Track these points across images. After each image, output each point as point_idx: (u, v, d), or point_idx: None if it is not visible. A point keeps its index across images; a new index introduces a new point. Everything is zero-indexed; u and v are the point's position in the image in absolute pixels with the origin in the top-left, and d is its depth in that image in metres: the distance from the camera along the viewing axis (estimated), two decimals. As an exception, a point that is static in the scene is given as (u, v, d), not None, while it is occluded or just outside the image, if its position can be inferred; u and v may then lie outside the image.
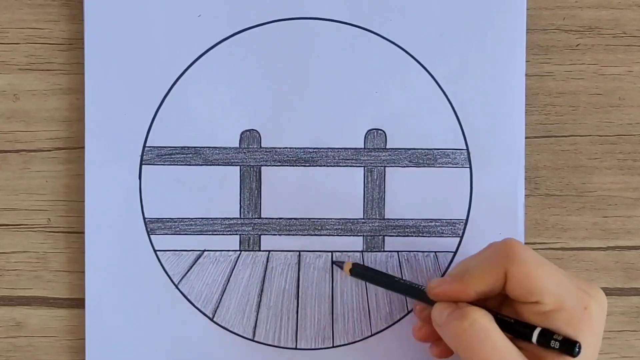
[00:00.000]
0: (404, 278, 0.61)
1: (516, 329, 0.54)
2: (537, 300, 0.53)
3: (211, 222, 0.62)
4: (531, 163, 0.63)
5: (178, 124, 0.62)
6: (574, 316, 0.52)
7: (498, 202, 0.62)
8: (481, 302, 0.55)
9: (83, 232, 0.62)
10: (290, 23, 0.62)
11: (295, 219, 0.62)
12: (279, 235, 0.62)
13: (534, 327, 0.53)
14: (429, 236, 0.62)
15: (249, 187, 0.62)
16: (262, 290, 0.62)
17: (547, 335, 0.53)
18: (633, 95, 0.63)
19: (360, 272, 0.61)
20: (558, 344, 0.52)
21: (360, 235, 0.62)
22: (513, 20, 0.62)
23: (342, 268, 0.61)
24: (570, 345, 0.52)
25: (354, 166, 0.62)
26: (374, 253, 0.62)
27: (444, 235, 0.62)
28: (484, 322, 0.53)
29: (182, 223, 0.62)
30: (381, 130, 0.62)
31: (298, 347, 0.62)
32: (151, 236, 0.62)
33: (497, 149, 0.62)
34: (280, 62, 0.62)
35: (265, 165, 0.62)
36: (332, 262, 0.62)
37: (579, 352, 0.52)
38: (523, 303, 0.53)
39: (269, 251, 0.62)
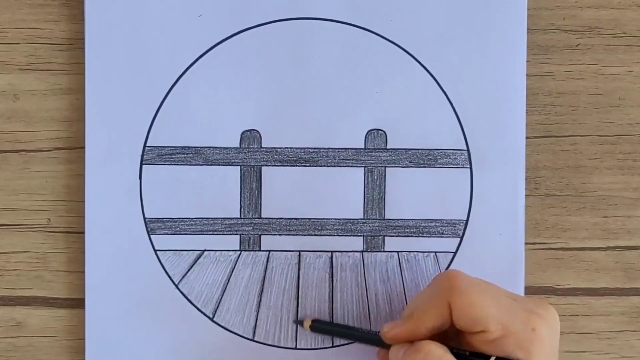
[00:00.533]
0: (361, 328, 0.62)
1: None
2: (483, 329, 0.53)
3: (211, 222, 0.62)
4: (531, 163, 0.63)
5: (178, 124, 0.62)
6: (523, 339, 0.53)
7: (498, 202, 0.62)
8: (435, 338, 0.55)
9: (83, 232, 0.62)
10: (291, 23, 0.62)
11: (295, 219, 0.62)
12: (279, 235, 0.62)
13: (488, 357, 0.53)
14: (429, 236, 0.62)
15: (249, 187, 0.62)
16: (262, 290, 0.62)
17: None
18: (633, 95, 0.63)
19: (321, 327, 0.61)
20: None
21: (361, 236, 0.62)
22: (514, 21, 0.62)
23: (302, 325, 0.61)
24: None
25: (354, 166, 0.62)
26: (374, 253, 0.62)
27: (444, 235, 0.62)
28: (437, 352, 0.53)
29: (182, 223, 0.62)
30: (382, 130, 0.62)
31: (298, 347, 0.62)
32: (151, 236, 0.62)
33: (498, 149, 0.62)
34: (281, 62, 0.62)
35: (266, 165, 0.62)
36: (295, 321, 0.62)
37: None
38: (472, 333, 0.54)
39: (269, 251, 0.62)
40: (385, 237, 0.62)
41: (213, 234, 0.62)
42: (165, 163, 0.62)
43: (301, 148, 0.62)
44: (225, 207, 0.62)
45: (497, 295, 0.54)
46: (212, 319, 0.62)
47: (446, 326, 0.55)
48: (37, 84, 0.63)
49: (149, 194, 0.62)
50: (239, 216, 0.62)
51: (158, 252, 0.62)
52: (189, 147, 0.62)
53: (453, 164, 0.62)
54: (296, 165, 0.62)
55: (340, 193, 0.62)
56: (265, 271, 0.62)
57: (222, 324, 0.62)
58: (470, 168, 0.62)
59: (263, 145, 0.62)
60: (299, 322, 0.62)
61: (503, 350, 0.53)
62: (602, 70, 0.63)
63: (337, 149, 0.62)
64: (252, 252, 0.62)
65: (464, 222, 0.62)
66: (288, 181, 0.62)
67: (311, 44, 0.62)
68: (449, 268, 0.62)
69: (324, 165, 0.62)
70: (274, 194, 0.62)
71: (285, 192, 0.62)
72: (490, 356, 0.53)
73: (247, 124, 0.62)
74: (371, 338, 0.59)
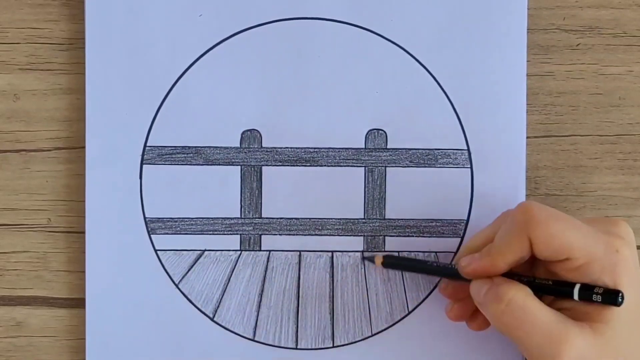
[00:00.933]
0: (434, 261, 0.62)
1: (556, 289, 0.54)
2: (567, 257, 0.52)
3: (212, 221, 0.62)
4: (531, 163, 0.63)
5: (179, 124, 0.62)
6: (608, 263, 0.52)
7: (499, 202, 0.61)
8: (516, 269, 0.55)
9: (83, 232, 0.62)
10: (291, 23, 0.62)
11: (295, 218, 0.62)
12: (280, 235, 0.62)
13: (573, 285, 0.53)
14: (429, 236, 0.62)
15: (249, 187, 0.62)
16: (262, 290, 0.62)
17: (588, 290, 0.52)
18: (633, 95, 0.63)
19: (393, 262, 0.61)
20: (600, 297, 0.52)
21: (361, 235, 0.62)
22: (514, 20, 0.62)
23: (373, 262, 0.61)
24: (613, 296, 0.52)
25: (354, 166, 0.62)
26: (374, 253, 0.62)
27: (445, 235, 0.62)
28: (519, 299, 0.53)
29: (182, 223, 0.62)
30: (382, 130, 0.62)
31: (298, 347, 0.62)
32: (152, 236, 0.62)
33: (498, 149, 0.62)
34: (281, 62, 0.62)
35: (266, 165, 0.62)
36: (363, 258, 0.62)
37: (622, 302, 0.52)
38: (555, 262, 0.53)
39: (270, 251, 0.62)
40: (386, 237, 0.62)
41: (213, 234, 0.62)
42: (166, 163, 0.62)
43: (301, 148, 0.62)
44: (226, 207, 0.62)
45: (575, 222, 0.54)
46: (212, 319, 0.62)
47: (526, 258, 0.54)
48: (37, 83, 0.63)
49: (149, 193, 0.62)
50: (239, 216, 0.62)
51: (158, 252, 0.62)
52: (189, 147, 0.62)
53: (453, 164, 0.62)
54: (296, 165, 0.62)
55: (341, 193, 0.62)
56: (265, 271, 0.62)
57: (223, 324, 0.62)
58: (471, 168, 0.62)
59: (263, 145, 0.62)
60: (369, 259, 0.61)
61: (589, 277, 0.52)
62: (602, 70, 0.63)
63: (337, 148, 0.62)
64: (252, 252, 0.62)
65: (465, 222, 0.62)
66: (288, 181, 0.62)
67: (311, 43, 0.62)
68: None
69: (325, 165, 0.62)
70: (274, 194, 0.62)
71: (286, 191, 0.62)
72: (574, 284, 0.53)
73: (248, 124, 0.62)
74: (447, 271, 0.59)
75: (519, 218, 0.54)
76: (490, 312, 0.54)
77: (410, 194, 0.62)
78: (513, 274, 0.55)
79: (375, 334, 0.62)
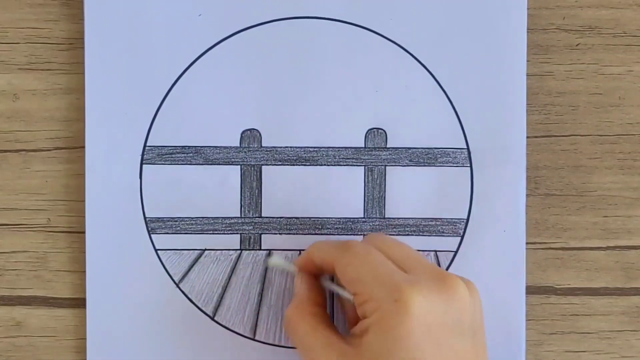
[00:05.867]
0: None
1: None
2: (354, 291, 0.52)
3: (212, 221, 0.62)
4: (531, 163, 0.63)
5: (179, 124, 0.62)
6: (382, 308, 0.50)
7: (499, 201, 0.62)
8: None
9: (83, 232, 0.62)
10: (291, 22, 0.62)
11: (295, 218, 0.62)
12: (280, 234, 0.62)
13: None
14: (429, 235, 0.62)
15: (249, 187, 0.62)
16: (262, 290, 0.62)
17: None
18: (633, 95, 0.63)
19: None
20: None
21: (361, 235, 0.62)
22: (514, 20, 0.62)
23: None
24: None
25: (354, 165, 0.62)
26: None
27: (445, 234, 0.62)
28: (292, 317, 0.55)
29: (182, 222, 0.62)
30: (382, 129, 0.62)
31: (299, 346, 0.62)
32: (152, 235, 0.62)
33: (498, 148, 0.62)
34: (281, 61, 0.62)
35: (266, 165, 0.62)
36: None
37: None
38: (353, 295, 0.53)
39: (270, 250, 0.62)
40: (386, 236, 0.62)
41: (213, 234, 0.62)
42: (166, 163, 0.62)
43: (301, 147, 0.62)
44: (226, 206, 0.62)
45: (380, 261, 0.53)
46: (212, 318, 0.62)
47: (330, 273, 0.56)
48: (37, 83, 0.63)
49: (149, 193, 0.62)
50: (239, 215, 0.62)
51: (159, 252, 0.62)
52: (189, 146, 0.62)
53: (453, 163, 0.62)
54: (296, 165, 0.62)
55: (341, 192, 0.62)
56: (265, 270, 0.62)
57: (223, 323, 0.62)
58: (471, 167, 0.62)
59: (263, 145, 0.62)
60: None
61: (362, 314, 0.52)
62: (602, 70, 0.63)
63: (337, 148, 0.62)
64: (252, 252, 0.62)
65: (465, 221, 0.62)
66: (288, 180, 0.62)
67: (311, 43, 0.62)
68: (450, 267, 0.62)
69: (324, 164, 0.62)
70: (274, 193, 0.62)
71: (286, 191, 0.62)
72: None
73: (247, 124, 0.62)
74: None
75: (346, 241, 0.55)
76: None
77: (410, 193, 0.62)
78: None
79: (375, 334, 0.62)
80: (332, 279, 0.58)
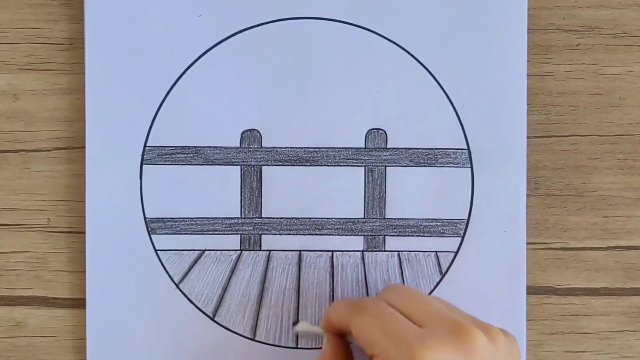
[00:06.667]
0: None
1: None
2: (370, 353, 0.52)
3: (212, 221, 0.62)
4: (531, 163, 0.63)
5: (179, 124, 0.62)
6: None
7: (499, 201, 0.62)
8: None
9: (83, 232, 0.62)
10: (291, 23, 0.62)
11: (295, 218, 0.62)
12: (280, 234, 0.62)
13: None
14: (430, 236, 0.62)
15: (249, 187, 0.62)
16: (262, 290, 0.62)
17: None
18: (633, 95, 0.63)
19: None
20: None
21: (361, 235, 0.62)
22: (514, 20, 0.62)
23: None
24: None
25: (354, 166, 0.62)
26: (375, 253, 0.62)
27: (445, 235, 0.62)
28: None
29: (182, 223, 0.62)
30: (382, 129, 0.62)
31: (298, 346, 0.62)
32: (152, 236, 0.62)
33: (499, 148, 0.62)
34: (281, 61, 0.62)
35: (266, 165, 0.62)
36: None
37: None
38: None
39: (270, 250, 0.62)
40: (386, 237, 0.62)
41: (213, 234, 0.62)
42: (166, 163, 0.62)
43: (301, 147, 0.62)
44: (226, 206, 0.62)
45: (394, 320, 0.52)
46: (212, 319, 0.62)
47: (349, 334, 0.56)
48: (37, 84, 0.63)
49: (149, 193, 0.62)
50: (239, 216, 0.62)
51: (158, 252, 0.62)
52: (189, 147, 0.62)
53: (454, 163, 0.62)
54: (296, 165, 0.62)
55: (341, 192, 0.62)
56: (265, 271, 0.62)
57: (223, 324, 0.62)
58: (471, 167, 0.62)
59: (263, 145, 0.62)
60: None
61: None
62: (602, 70, 0.63)
63: (337, 148, 0.62)
64: (252, 252, 0.62)
65: (465, 221, 0.62)
66: (288, 181, 0.62)
67: (311, 43, 0.62)
68: (451, 267, 0.62)
69: (325, 165, 0.62)
70: (274, 194, 0.62)
71: (286, 191, 0.62)
72: None
73: (248, 124, 0.62)
74: None
75: (360, 300, 0.55)
76: None
77: (411, 193, 0.62)
78: None
79: (375, 334, 0.62)
80: None
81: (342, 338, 0.58)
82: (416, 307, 0.53)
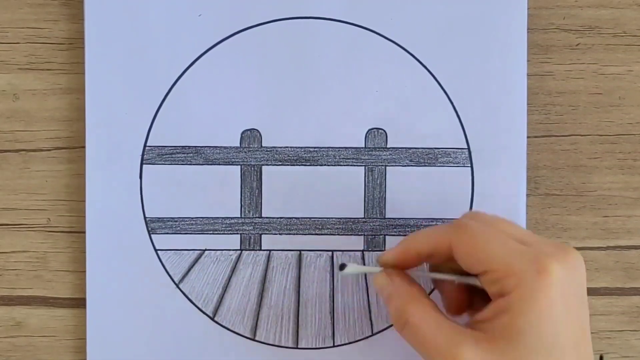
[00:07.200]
0: None
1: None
2: (485, 269, 0.51)
3: (212, 221, 0.62)
4: (531, 163, 0.63)
5: (179, 124, 0.62)
6: (525, 280, 0.49)
7: (499, 201, 0.62)
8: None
9: (83, 232, 0.62)
10: (291, 22, 0.62)
11: (296, 218, 0.62)
12: (280, 234, 0.62)
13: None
14: (429, 235, 0.62)
15: (249, 187, 0.62)
16: (262, 290, 0.62)
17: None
18: (633, 95, 0.63)
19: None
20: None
21: (361, 235, 0.62)
22: (514, 20, 0.62)
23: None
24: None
25: (354, 165, 0.62)
26: (375, 252, 0.62)
27: (445, 234, 0.62)
28: (416, 320, 0.52)
29: (182, 222, 0.62)
30: (382, 129, 0.62)
31: (299, 346, 0.62)
32: (152, 235, 0.62)
33: (499, 148, 0.62)
34: (281, 61, 0.62)
35: (266, 165, 0.62)
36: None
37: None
38: (479, 276, 0.52)
39: (270, 250, 0.62)
40: (386, 236, 0.62)
41: (214, 234, 0.62)
42: (166, 163, 0.62)
43: (301, 147, 0.62)
44: (226, 206, 0.62)
45: (504, 237, 0.51)
46: (212, 319, 0.62)
47: (441, 260, 0.54)
48: (37, 83, 0.63)
49: (149, 193, 0.62)
50: (239, 215, 0.62)
51: (159, 252, 0.62)
52: (189, 146, 0.62)
53: (454, 163, 0.62)
54: (296, 165, 0.62)
55: (341, 192, 0.62)
56: (265, 270, 0.62)
57: (223, 324, 0.62)
58: (471, 167, 0.62)
59: (263, 145, 0.62)
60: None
61: (504, 291, 0.50)
62: (602, 69, 0.63)
63: (337, 148, 0.62)
64: (252, 252, 0.62)
65: (465, 221, 0.62)
66: (288, 180, 0.62)
67: (311, 43, 0.62)
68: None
69: (325, 165, 0.62)
70: (274, 193, 0.62)
71: (286, 191, 0.62)
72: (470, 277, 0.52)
73: (247, 124, 0.62)
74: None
75: (449, 223, 0.54)
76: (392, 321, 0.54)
77: (411, 193, 0.62)
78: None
79: (375, 334, 0.62)
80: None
81: (404, 274, 0.56)
82: (512, 229, 0.53)
